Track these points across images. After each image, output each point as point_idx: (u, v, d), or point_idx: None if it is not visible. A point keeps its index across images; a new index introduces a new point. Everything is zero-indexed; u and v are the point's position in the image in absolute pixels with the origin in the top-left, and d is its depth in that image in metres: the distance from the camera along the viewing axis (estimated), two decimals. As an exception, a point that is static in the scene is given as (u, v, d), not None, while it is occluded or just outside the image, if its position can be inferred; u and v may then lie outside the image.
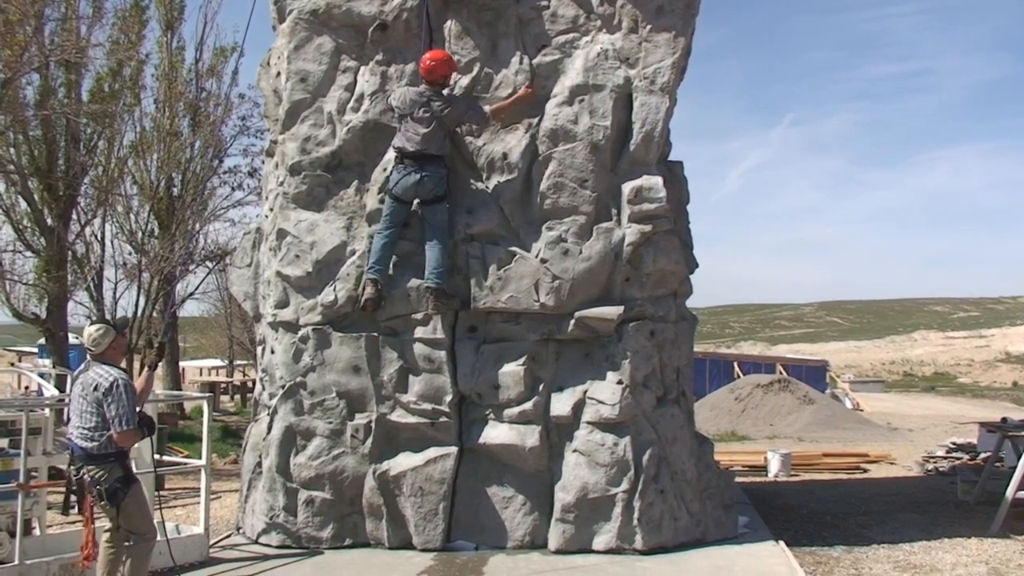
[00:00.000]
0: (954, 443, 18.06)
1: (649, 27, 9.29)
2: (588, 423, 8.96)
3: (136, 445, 7.60)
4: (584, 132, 9.15)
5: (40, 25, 18.15)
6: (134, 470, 7.52)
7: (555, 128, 9.17)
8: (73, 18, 20.41)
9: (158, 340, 10.82)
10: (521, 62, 9.34)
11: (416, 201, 9.05)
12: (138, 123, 22.90)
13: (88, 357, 7.43)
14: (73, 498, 12.10)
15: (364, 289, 9.00)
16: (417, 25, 9.48)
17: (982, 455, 15.90)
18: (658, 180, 9.21)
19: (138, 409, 7.30)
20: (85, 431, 7.11)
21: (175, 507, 11.44)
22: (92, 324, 7.54)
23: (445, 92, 9.14)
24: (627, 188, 9.20)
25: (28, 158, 20.71)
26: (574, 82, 9.25)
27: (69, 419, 7.38)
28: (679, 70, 9.41)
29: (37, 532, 9.44)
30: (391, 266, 9.11)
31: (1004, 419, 15.23)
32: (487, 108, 9.10)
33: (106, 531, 7.21)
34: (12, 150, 20.37)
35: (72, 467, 7.31)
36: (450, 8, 9.50)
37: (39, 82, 20.59)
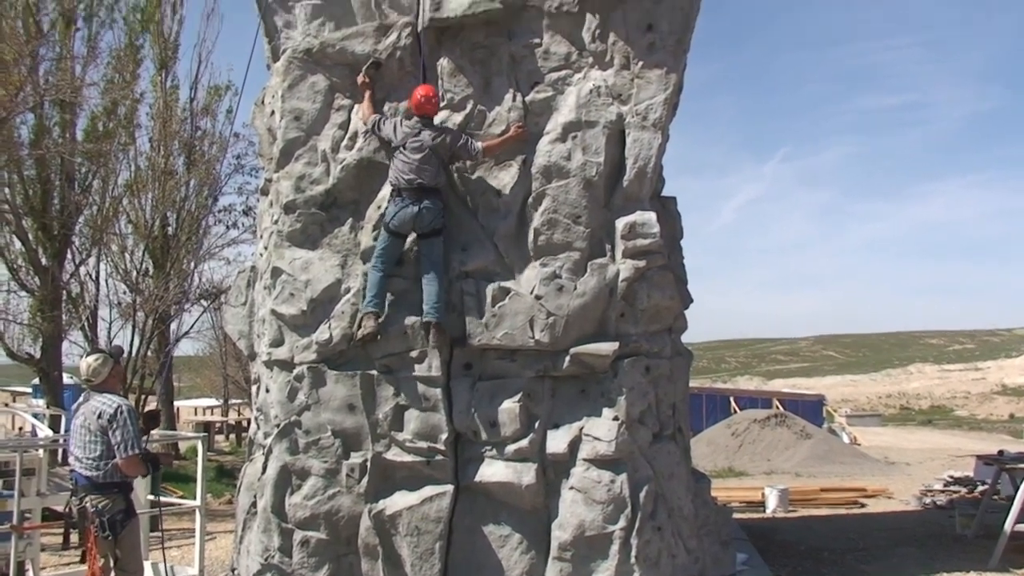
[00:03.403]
0: (952, 476, 18.02)
1: (641, 64, 9.34)
2: (584, 460, 8.91)
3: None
4: (577, 168, 9.17)
5: (35, 65, 18.25)
6: (135, 505, 7.49)
7: (548, 164, 9.20)
8: (68, 57, 20.54)
9: (151, 409, 10.79)
10: (514, 99, 9.38)
11: (412, 236, 9.06)
12: (133, 162, 22.95)
13: (87, 389, 7.41)
14: (73, 532, 12.02)
15: (363, 322, 8.95)
16: (411, 63, 9.53)
17: (979, 488, 15.86)
18: (651, 216, 9.22)
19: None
20: (90, 461, 7.08)
21: (170, 548, 11.35)
22: (89, 355, 7.53)
23: (436, 123, 9.19)
24: (621, 224, 9.21)
25: (23, 197, 20.77)
26: (567, 119, 9.28)
27: (71, 453, 7.35)
28: (671, 106, 9.45)
29: (31, 574, 9.38)
30: (386, 303, 9.09)
31: (1001, 452, 15.22)
32: (480, 144, 9.12)
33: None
34: (7, 189, 20.43)
35: (75, 498, 7.26)
36: (443, 46, 9.56)
37: (34, 121, 20.69)
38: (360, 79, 9.43)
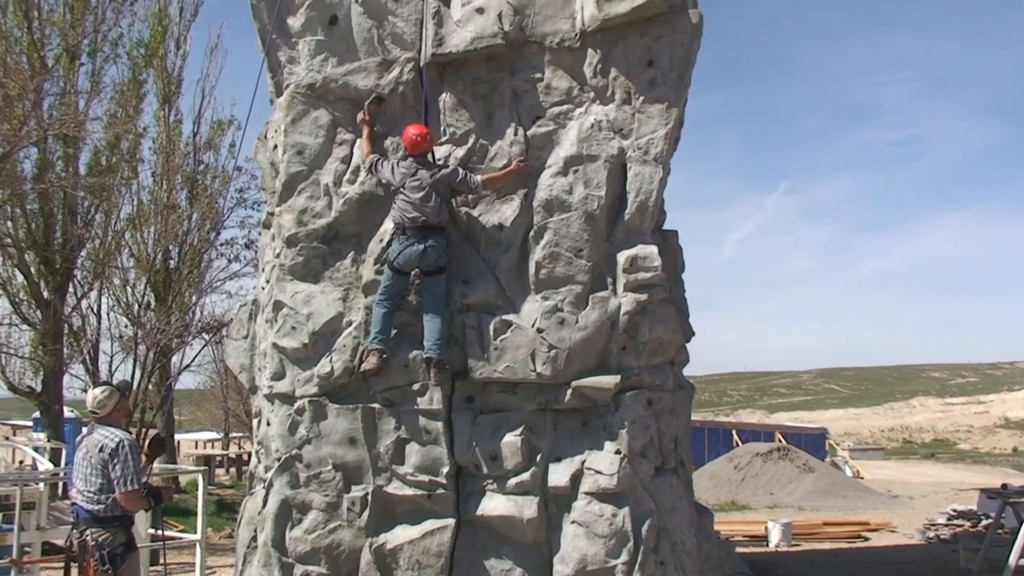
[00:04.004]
0: (955, 510, 17.97)
1: (642, 98, 9.39)
2: (586, 494, 8.88)
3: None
4: (579, 202, 9.20)
5: (39, 99, 18.36)
6: (136, 538, 7.47)
7: (550, 198, 9.22)
8: (72, 92, 20.66)
9: (156, 432, 10.81)
10: (516, 133, 9.42)
11: (415, 272, 9.07)
12: (135, 196, 23.09)
13: (92, 420, 7.42)
14: (73, 566, 11.94)
15: (367, 358, 8.93)
16: (413, 98, 9.58)
17: (983, 522, 15.80)
18: (653, 249, 9.24)
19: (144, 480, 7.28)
20: (91, 494, 7.08)
21: (169, 582, 11.31)
22: (96, 387, 7.57)
23: (431, 160, 9.21)
24: (622, 257, 9.22)
25: (25, 231, 20.85)
26: (568, 153, 9.32)
27: (73, 485, 7.35)
28: (672, 140, 9.49)
29: (29, 609, 9.33)
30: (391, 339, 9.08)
31: (1005, 485, 15.18)
32: (479, 177, 9.14)
33: None
34: (9, 223, 20.51)
35: (75, 531, 7.25)
36: (445, 81, 9.61)
37: (37, 155, 20.80)
38: (360, 116, 9.46)
